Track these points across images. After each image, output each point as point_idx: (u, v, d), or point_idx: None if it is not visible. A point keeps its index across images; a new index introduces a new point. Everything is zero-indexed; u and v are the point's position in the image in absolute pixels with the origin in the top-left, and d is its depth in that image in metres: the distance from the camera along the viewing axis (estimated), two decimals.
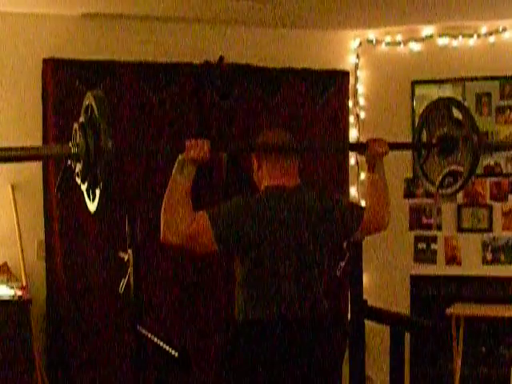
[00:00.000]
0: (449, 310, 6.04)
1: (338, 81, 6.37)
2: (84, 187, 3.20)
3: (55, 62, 5.58)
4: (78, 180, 3.19)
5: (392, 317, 4.91)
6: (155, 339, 4.27)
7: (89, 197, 3.21)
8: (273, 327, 3.29)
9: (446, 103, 3.94)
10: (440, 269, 6.44)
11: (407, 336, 5.25)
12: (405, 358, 5.12)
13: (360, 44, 6.51)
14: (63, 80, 5.57)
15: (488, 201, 6.36)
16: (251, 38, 6.21)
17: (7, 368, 5.14)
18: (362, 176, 6.49)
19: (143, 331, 4.44)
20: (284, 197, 3.36)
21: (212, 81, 5.99)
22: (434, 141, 3.92)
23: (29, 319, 5.25)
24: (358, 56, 6.52)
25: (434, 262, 6.46)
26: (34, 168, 5.66)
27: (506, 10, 5.89)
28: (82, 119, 3.14)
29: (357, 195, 6.44)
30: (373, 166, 3.63)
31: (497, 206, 6.35)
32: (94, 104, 3.05)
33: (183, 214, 3.23)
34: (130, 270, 4.54)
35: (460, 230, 6.41)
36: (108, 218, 5.65)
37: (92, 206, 3.21)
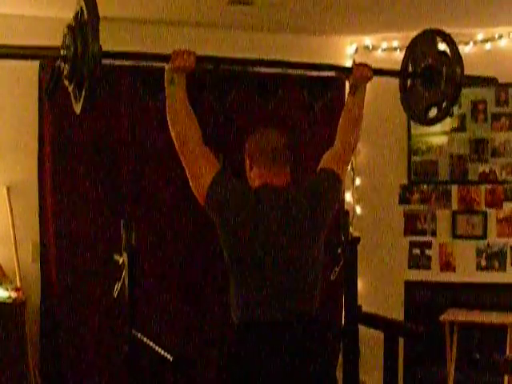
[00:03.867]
0: (443, 316, 6.05)
1: (333, 86, 6.38)
2: (71, 88, 3.28)
3: (52, 66, 5.57)
4: (66, 82, 3.27)
5: (386, 322, 4.92)
6: (150, 343, 4.27)
7: (75, 98, 3.29)
8: (264, 329, 3.28)
9: (432, 35, 4.00)
10: (434, 275, 6.46)
11: (401, 341, 5.26)
12: (398, 363, 5.13)
13: (356, 50, 6.53)
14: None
15: (483, 207, 6.38)
16: (248, 43, 6.21)
17: (1, 369, 5.13)
18: (358, 181, 6.51)
19: (138, 335, 4.44)
20: (274, 195, 3.36)
21: (208, 85, 5.99)
22: (418, 71, 3.99)
23: (23, 321, 5.24)
24: (354, 62, 6.52)
25: (428, 268, 6.47)
26: (29, 170, 5.66)
27: (503, 18, 5.92)
28: (72, 23, 3.22)
29: (352, 200, 6.46)
30: (355, 88, 3.77)
31: (491, 212, 6.37)
32: (84, 8, 3.13)
33: (190, 122, 3.45)
34: (125, 273, 4.54)
35: (455, 236, 6.43)
36: (103, 221, 5.65)
37: (77, 107, 3.29)
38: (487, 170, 6.36)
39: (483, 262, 6.38)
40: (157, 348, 4.17)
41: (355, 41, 6.52)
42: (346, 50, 6.54)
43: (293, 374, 3.30)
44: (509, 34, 6.23)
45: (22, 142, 5.67)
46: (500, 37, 6.25)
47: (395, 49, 6.45)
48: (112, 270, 4.78)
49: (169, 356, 4.01)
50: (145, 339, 4.34)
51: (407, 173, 6.51)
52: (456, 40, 6.20)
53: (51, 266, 5.66)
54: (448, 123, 6.27)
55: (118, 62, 5.68)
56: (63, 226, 5.62)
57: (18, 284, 5.45)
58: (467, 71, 6.47)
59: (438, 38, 3.97)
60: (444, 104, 3.91)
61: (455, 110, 6.25)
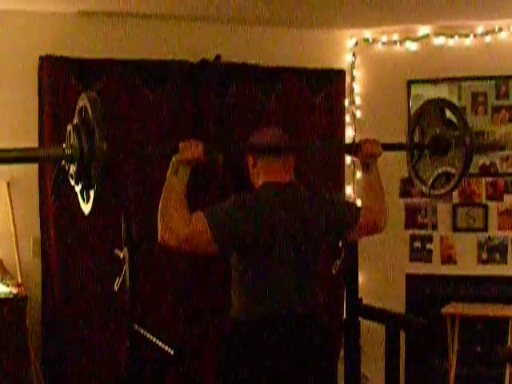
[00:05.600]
0: (444, 309, 6.06)
1: (334, 80, 6.37)
2: (78, 189, 3.19)
3: (52, 60, 5.57)
4: (72, 181, 3.18)
5: (387, 315, 4.92)
6: (151, 337, 4.27)
7: (83, 198, 3.20)
8: (269, 325, 3.30)
9: (439, 104, 3.95)
10: (435, 268, 6.46)
11: (402, 335, 5.26)
12: (400, 356, 5.13)
13: (356, 43, 6.52)
14: (59, 77, 5.56)
15: (483, 200, 6.38)
16: (248, 37, 6.21)
17: (2, 365, 5.13)
18: (358, 175, 6.50)
19: (139, 329, 4.43)
20: (279, 193, 3.38)
21: (208, 79, 5.98)
22: (426, 141, 3.93)
23: (24, 317, 5.23)
24: (354, 55, 6.52)
25: (429, 261, 6.47)
26: (30, 165, 5.65)
27: (502, 10, 5.91)
28: (75, 121, 3.12)
29: (352, 194, 6.45)
30: (367, 166, 3.65)
31: (492, 205, 6.36)
32: (88, 105, 3.04)
33: (180, 216, 3.23)
34: (126, 267, 4.53)
35: (455, 229, 6.43)
36: (104, 216, 5.65)
37: (86, 208, 3.21)
38: (488, 163, 6.35)
39: (484, 255, 6.38)
40: (158, 342, 4.17)
41: (355, 34, 6.50)
42: (346, 44, 6.53)
43: (293, 369, 3.32)
44: (509, 27, 6.22)
45: (22, 137, 5.65)
46: (500, 30, 6.24)
47: (395, 42, 6.44)
48: (113, 264, 4.77)
49: (170, 350, 4.01)
50: (146, 333, 4.34)
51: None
52: (456, 32, 6.30)
53: (52, 261, 5.65)
54: None
55: (117, 57, 5.76)
56: (64, 220, 5.61)
57: (19, 279, 5.44)
58: (467, 64, 6.50)
59: (445, 107, 3.91)
60: (453, 177, 3.84)
61: (455, 102, 6.28)
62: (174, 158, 3.26)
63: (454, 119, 3.84)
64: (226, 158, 5.51)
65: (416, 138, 4.03)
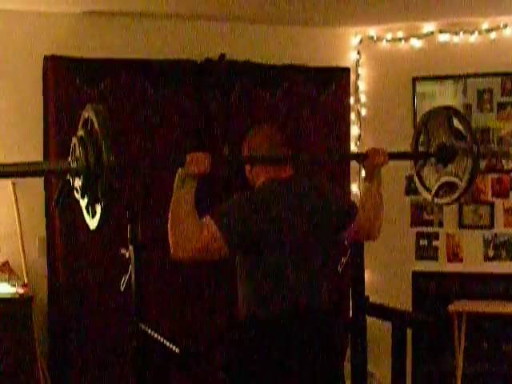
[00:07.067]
0: (450, 307, 6.04)
1: (338, 78, 6.37)
2: (83, 203, 3.11)
3: (56, 60, 5.58)
4: (77, 195, 3.10)
5: (394, 313, 4.90)
6: (157, 336, 4.27)
7: (88, 212, 3.12)
8: (279, 323, 3.29)
9: (447, 112, 3.92)
10: (442, 265, 6.45)
11: (409, 332, 5.25)
12: (407, 354, 5.12)
13: (361, 41, 6.51)
14: (64, 77, 5.57)
15: (489, 197, 6.36)
16: (252, 36, 6.21)
17: (9, 366, 5.13)
18: (364, 173, 6.49)
19: (145, 328, 4.43)
20: (282, 188, 3.38)
21: (213, 78, 5.98)
22: (432, 149, 3.90)
23: (30, 316, 5.24)
24: (359, 53, 6.51)
25: (435, 258, 6.46)
26: None
27: (508, 7, 5.89)
28: (80, 133, 3.04)
29: (358, 192, 6.44)
30: (370, 175, 3.65)
31: (498, 202, 6.35)
32: (94, 118, 2.97)
33: (191, 229, 3.16)
34: (131, 266, 4.53)
35: (462, 226, 6.41)
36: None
37: (92, 222, 3.12)
38: (493, 160, 6.34)
39: (490, 252, 6.36)
40: (164, 341, 4.17)
41: (360, 32, 6.49)
42: (351, 42, 6.52)
43: (303, 366, 3.31)
44: None
45: (27, 137, 5.67)
46: (505, 26, 6.22)
47: (400, 39, 6.43)
48: (119, 263, 4.78)
49: (175, 348, 4.01)
50: (152, 333, 4.33)
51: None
52: (461, 29, 6.29)
53: (58, 261, 5.66)
54: None
55: (122, 56, 5.77)
56: (69, 220, 5.61)
57: (25, 279, 5.45)
58: (473, 61, 6.48)
59: (452, 115, 3.88)
60: (456, 187, 3.83)
61: (460, 99, 6.27)
62: (180, 170, 3.18)
63: (462, 128, 3.81)
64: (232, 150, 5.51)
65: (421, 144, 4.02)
